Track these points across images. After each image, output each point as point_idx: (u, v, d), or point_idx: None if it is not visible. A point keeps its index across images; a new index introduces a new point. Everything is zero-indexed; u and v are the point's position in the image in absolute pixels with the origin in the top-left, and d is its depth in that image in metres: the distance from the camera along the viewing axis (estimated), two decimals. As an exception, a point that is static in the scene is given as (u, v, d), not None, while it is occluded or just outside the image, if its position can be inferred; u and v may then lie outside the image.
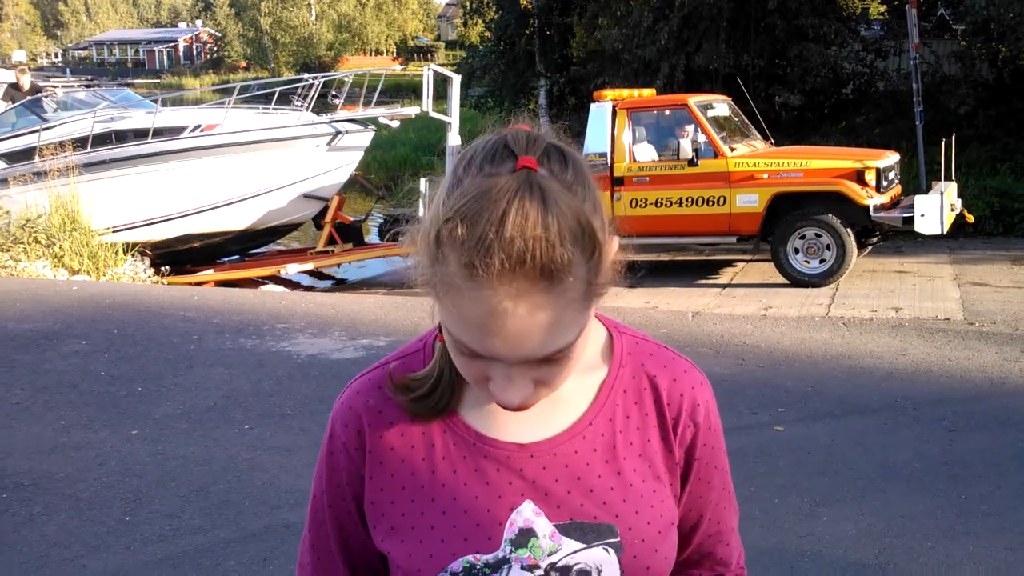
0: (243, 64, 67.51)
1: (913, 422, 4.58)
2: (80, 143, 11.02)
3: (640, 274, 9.26)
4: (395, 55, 66.57)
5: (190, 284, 10.49)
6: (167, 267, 10.69)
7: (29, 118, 11.79)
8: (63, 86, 14.74)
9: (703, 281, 9.54)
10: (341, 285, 11.94)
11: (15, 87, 12.45)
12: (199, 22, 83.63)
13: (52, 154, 10.79)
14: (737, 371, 5.43)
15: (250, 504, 3.73)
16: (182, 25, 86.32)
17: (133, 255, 10.50)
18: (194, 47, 77.86)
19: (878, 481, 3.95)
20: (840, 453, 4.24)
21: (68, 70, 60.47)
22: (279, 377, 5.33)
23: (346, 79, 13.19)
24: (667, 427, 0.98)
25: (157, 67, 72.65)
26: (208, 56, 75.47)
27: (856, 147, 10.85)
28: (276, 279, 11.67)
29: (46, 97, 12.45)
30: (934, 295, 8.15)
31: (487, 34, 20.35)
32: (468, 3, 21.07)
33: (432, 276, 0.81)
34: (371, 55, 67.88)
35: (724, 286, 9.25)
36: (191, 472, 4.06)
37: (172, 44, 77.80)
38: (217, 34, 75.25)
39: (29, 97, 12.19)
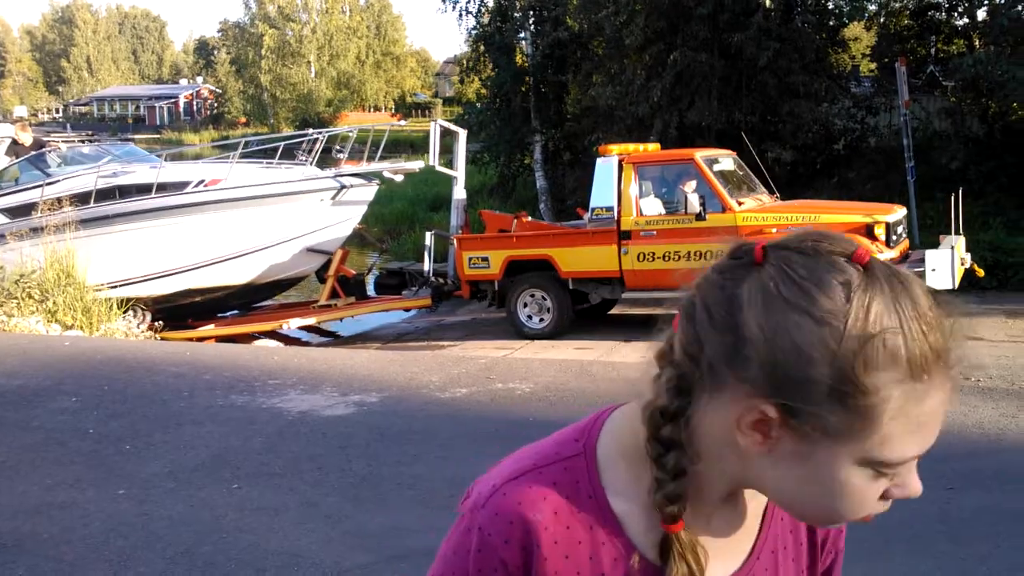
0: (243, 120, 68.15)
1: (910, 480, 4.52)
2: (84, 198, 11.00)
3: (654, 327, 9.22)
4: (393, 111, 67.35)
5: (190, 339, 10.46)
6: (160, 322, 10.64)
7: (33, 173, 11.78)
8: (63, 141, 14.74)
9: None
10: (336, 339, 11.90)
11: (17, 143, 12.48)
12: (200, 79, 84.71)
13: (49, 210, 10.81)
14: (732, 428, 5.38)
15: (236, 566, 3.66)
16: (183, 82, 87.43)
17: (127, 310, 10.47)
18: (194, 103, 78.70)
19: (878, 543, 3.88)
20: (837, 512, 4.18)
21: (69, 125, 61.05)
22: (269, 434, 5.27)
23: (350, 134, 13.22)
24: (816, 555, 0.96)
25: (157, 123, 73.38)
26: (208, 112, 76.27)
27: (848, 201, 10.90)
28: (271, 333, 11.63)
29: (50, 152, 12.45)
30: (929, 350, 8.13)
31: (484, 91, 20.60)
32: (465, 61, 21.38)
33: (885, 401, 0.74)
34: (370, 111, 68.67)
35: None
36: (177, 533, 3.99)
37: (172, 100, 78.66)
38: (217, 91, 76.15)
39: (33, 152, 12.23)
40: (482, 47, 19.06)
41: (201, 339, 10.58)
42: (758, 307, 0.76)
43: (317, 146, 12.26)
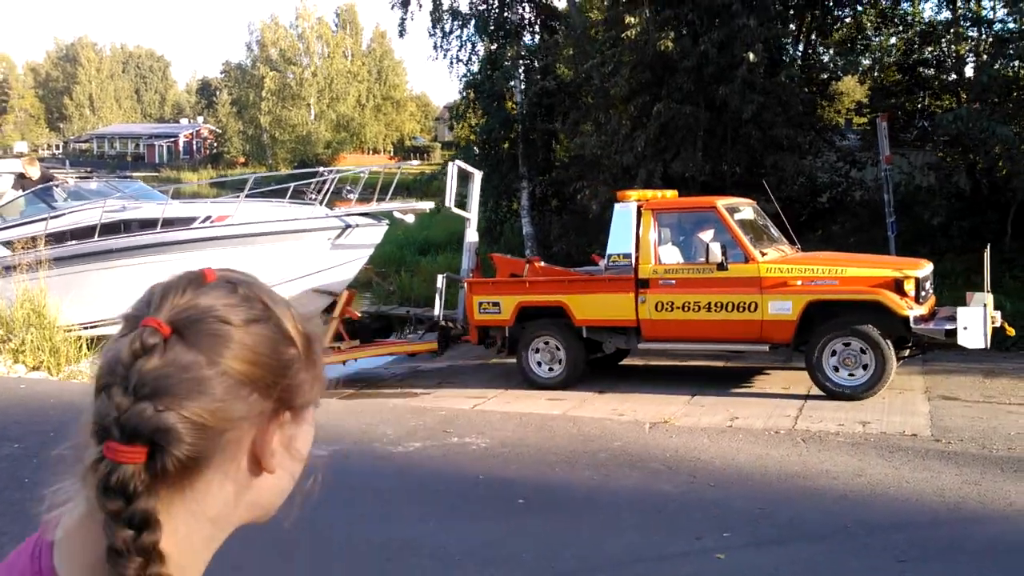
0: (242, 160, 68.55)
1: (862, 550, 4.37)
2: (88, 232, 10.90)
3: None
4: (392, 154, 67.78)
5: None
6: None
7: (38, 206, 11.68)
8: (68, 176, 14.65)
9: (674, 388, 9.29)
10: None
11: (24, 176, 12.23)
12: (200, 118, 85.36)
13: (23, 248, 10.71)
14: (687, 490, 5.23)
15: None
16: (184, 121, 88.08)
17: (95, 351, 10.29)
18: (194, 142, 79.20)
19: (820, 617, 3.72)
20: (783, 584, 4.02)
21: (68, 162, 61.16)
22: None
23: (361, 175, 12.99)
24: None
25: (156, 161, 73.74)
26: (208, 151, 76.74)
27: (873, 255, 10.58)
28: None
29: (57, 186, 12.32)
30: (903, 409, 7.98)
31: (473, 137, 20.66)
32: (455, 108, 21.49)
33: None
34: (369, 153, 69.07)
35: (694, 394, 9.00)
36: (92, 594, 3.81)
37: (172, 139, 79.14)
38: (217, 130, 76.70)
39: (40, 185, 12.11)
40: (472, 94, 19.18)
41: None
42: None
43: (327, 186, 12.05)
